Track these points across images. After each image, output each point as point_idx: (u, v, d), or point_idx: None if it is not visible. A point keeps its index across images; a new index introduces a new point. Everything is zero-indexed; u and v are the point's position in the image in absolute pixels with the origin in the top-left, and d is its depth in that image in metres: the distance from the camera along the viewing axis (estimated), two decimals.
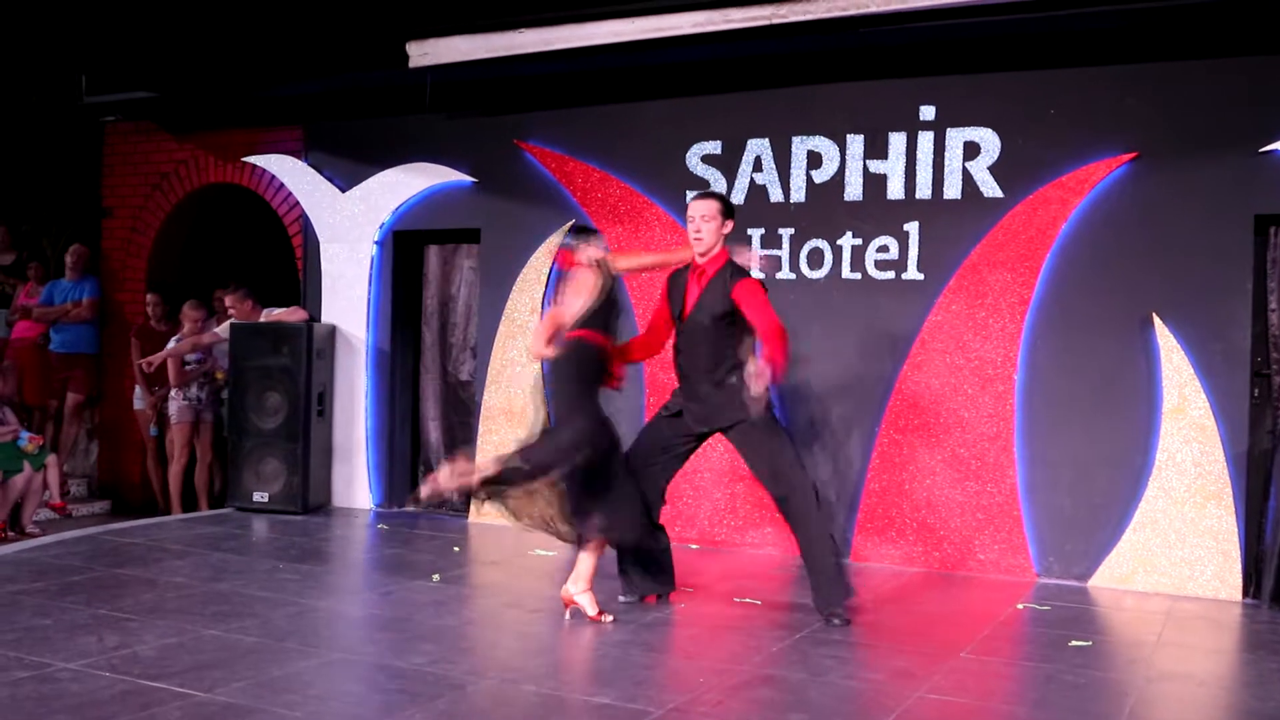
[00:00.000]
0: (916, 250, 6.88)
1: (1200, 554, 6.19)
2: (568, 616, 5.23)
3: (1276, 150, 6.10)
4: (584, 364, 5.18)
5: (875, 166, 6.98)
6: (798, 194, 7.16)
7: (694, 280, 5.46)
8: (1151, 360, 6.35)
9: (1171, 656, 5.03)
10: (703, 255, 5.43)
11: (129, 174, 9.78)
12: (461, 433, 8.49)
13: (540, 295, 7.84)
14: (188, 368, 8.82)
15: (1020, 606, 5.86)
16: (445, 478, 5.10)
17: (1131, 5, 5.88)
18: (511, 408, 7.92)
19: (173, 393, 8.81)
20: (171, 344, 8.80)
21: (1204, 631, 5.56)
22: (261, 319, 8.45)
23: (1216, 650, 5.35)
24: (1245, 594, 6.13)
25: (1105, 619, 5.82)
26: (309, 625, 5.08)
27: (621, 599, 5.59)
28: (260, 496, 8.14)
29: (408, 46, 7.39)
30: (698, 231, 5.41)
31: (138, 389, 9.24)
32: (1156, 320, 6.32)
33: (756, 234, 7.21)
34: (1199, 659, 5.10)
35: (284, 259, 9.23)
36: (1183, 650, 5.16)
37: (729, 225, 5.46)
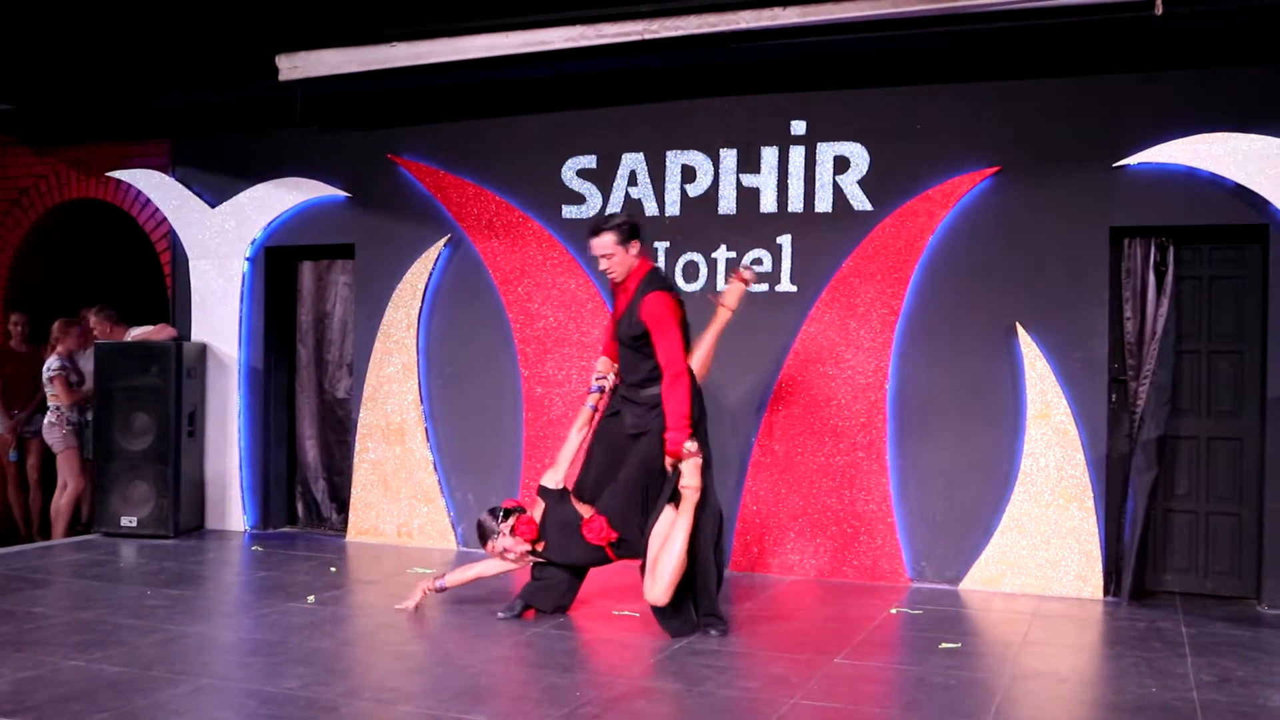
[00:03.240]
0: (789, 263, 6.99)
1: (1064, 554, 6.40)
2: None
3: (1129, 165, 6.35)
4: None
5: (748, 180, 7.08)
6: (672, 208, 7.22)
7: (620, 297, 5.58)
8: (1015, 368, 6.55)
9: (1036, 655, 5.18)
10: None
11: None
12: (339, 451, 8.37)
13: (416, 311, 7.76)
14: (80, 388, 8.45)
15: (894, 611, 5.98)
16: None
17: (992, 26, 6.05)
18: (388, 425, 7.83)
19: (51, 419, 8.39)
20: (51, 360, 8.44)
21: (1067, 629, 5.74)
22: (127, 338, 8.20)
23: (1079, 647, 5.53)
24: (1106, 592, 6.35)
25: (975, 620, 5.97)
26: (177, 652, 4.93)
27: (500, 615, 5.56)
28: (128, 521, 7.90)
29: (277, 59, 7.25)
30: (606, 270, 5.53)
31: None
32: (1020, 329, 6.52)
33: None
34: (1062, 656, 5.26)
35: (152, 276, 8.98)
36: (1047, 648, 5.32)
37: (634, 245, 5.48)
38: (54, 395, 8.35)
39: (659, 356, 5.35)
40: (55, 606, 5.78)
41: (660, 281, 5.52)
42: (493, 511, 5.61)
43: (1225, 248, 6.46)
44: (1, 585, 6.22)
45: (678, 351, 5.35)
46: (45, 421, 8.41)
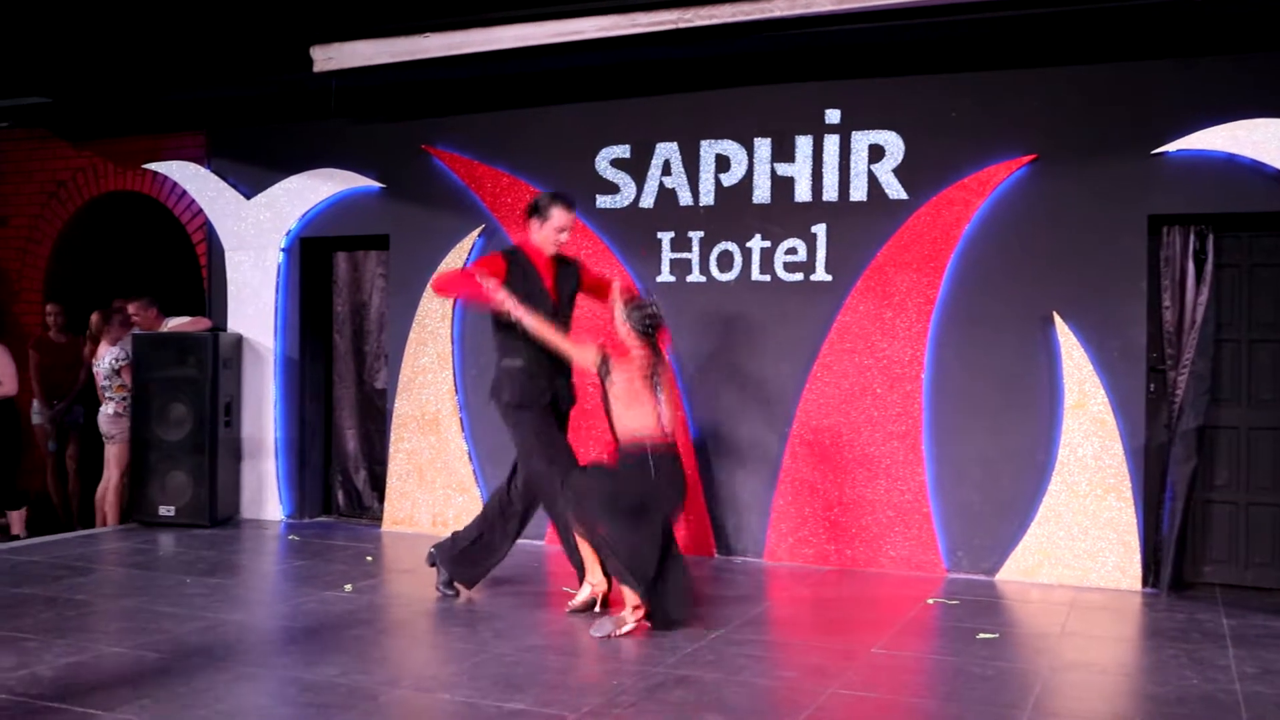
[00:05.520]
0: (824, 252, 6.96)
1: (1102, 545, 6.35)
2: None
3: (1168, 152, 6.28)
4: None
5: (783, 169, 7.05)
6: (707, 197, 7.21)
7: (546, 274, 5.72)
8: (1053, 358, 6.50)
9: (1075, 646, 5.15)
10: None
11: (23, 182, 9.52)
12: (379, 441, 8.40)
13: (451, 302, 7.78)
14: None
15: (930, 601, 5.96)
16: None
17: (1028, 11, 6.00)
18: (424, 415, 7.86)
19: (120, 410, 8.29)
20: (114, 350, 8.44)
21: (1106, 621, 5.70)
22: (164, 329, 8.26)
23: (1118, 639, 5.49)
24: (1145, 583, 6.30)
25: (1012, 611, 5.94)
26: (217, 640, 4.98)
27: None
28: (166, 510, 7.97)
29: (312, 51, 7.29)
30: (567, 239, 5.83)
31: (35, 403, 8.97)
32: (1057, 318, 6.47)
33: (666, 237, 7.26)
34: (1101, 648, 5.23)
35: (188, 268, 9.05)
36: (1086, 640, 5.29)
37: None
38: (121, 385, 8.37)
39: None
40: (97, 594, 5.84)
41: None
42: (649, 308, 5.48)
43: (1266, 235, 6.39)
44: (44, 573, 6.30)
45: None
46: (112, 412, 8.36)
